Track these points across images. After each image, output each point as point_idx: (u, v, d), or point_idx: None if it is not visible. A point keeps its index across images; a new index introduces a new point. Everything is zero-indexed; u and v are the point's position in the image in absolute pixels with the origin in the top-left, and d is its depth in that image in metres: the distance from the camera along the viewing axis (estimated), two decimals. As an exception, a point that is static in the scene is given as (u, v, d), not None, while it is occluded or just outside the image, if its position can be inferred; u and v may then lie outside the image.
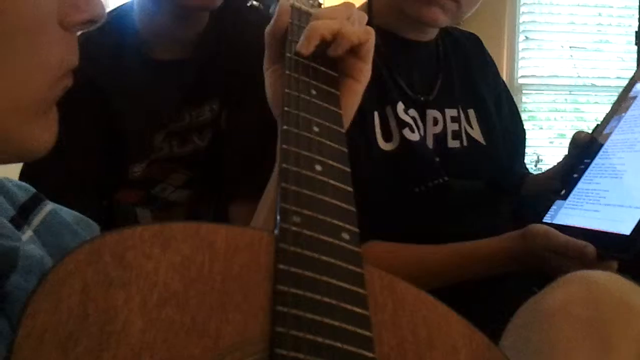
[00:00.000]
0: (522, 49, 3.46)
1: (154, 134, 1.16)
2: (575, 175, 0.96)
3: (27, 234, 0.53)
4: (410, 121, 1.05)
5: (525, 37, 3.47)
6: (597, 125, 1.02)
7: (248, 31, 1.13)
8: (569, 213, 0.92)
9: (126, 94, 1.13)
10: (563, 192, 0.96)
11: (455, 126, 1.11)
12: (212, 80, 1.15)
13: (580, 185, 0.95)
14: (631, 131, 0.95)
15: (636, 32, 2.39)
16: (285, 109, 0.60)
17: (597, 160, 0.96)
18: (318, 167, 0.54)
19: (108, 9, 1.10)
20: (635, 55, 2.45)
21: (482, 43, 1.25)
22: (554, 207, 0.95)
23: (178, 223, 0.44)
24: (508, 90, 1.27)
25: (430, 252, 0.99)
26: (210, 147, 1.20)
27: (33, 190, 0.58)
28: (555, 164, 1.10)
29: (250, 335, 0.41)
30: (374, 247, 0.98)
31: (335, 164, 0.56)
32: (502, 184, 1.15)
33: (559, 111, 3.58)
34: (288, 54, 0.68)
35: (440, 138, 1.09)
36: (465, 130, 1.12)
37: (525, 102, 3.46)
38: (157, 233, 0.43)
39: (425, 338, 0.46)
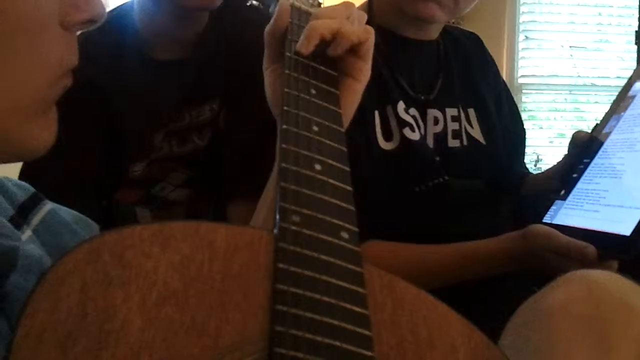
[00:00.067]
0: (522, 49, 3.46)
1: (154, 133, 1.16)
2: (574, 175, 0.96)
3: (27, 233, 0.53)
4: (411, 120, 1.05)
5: (525, 36, 3.47)
6: (597, 124, 1.02)
7: (248, 31, 1.13)
8: (568, 213, 0.92)
9: (126, 93, 1.13)
10: (563, 192, 0.96)
11: (456, 125, 1.11)
12: (211, 79, 1.15)
13: (579, 185, 0.95)
14: (630, 131, 0.95)
15: (636, 31, 2.39)
16: (285, 108, 0.60)
17: (596, 160, 0.96)
18: (317, 167, 0.54)
19: (108, 9, 1.10)
20: (635, 55, 2.45)
21: (482, 42, 1.25)
22: (553, 207, 0.95)
23: (177, 222, 0.44)
24: (508, 90, 1.27)
25: (430, 251, 0.99)
26: (209, 147, 1.20)
27: (32, 189, 0.58)
28: (555, 163, 1.10)
29: (249, 334, 0.40)
30: (374, 246, 0.98)
31: (334, 163, 0.56)
32: (502, 183, 1.15)
33: (558, 111, 3.58)
34: (288, 54, 0.68)
35: (441, 137, 1.09)
36: (466, 130, 1.12)
37: (525, 102, 3.47)
38: (157, 232, 0.43)
39: (425, 337, 0.46)
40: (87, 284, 0.39)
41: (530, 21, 3.47)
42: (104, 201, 1.21)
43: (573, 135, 1.05)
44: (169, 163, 1.20)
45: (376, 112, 1.03)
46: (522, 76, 3.47)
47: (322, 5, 0.82)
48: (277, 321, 0.41)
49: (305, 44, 0.67)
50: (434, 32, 1.14)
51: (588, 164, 0.96)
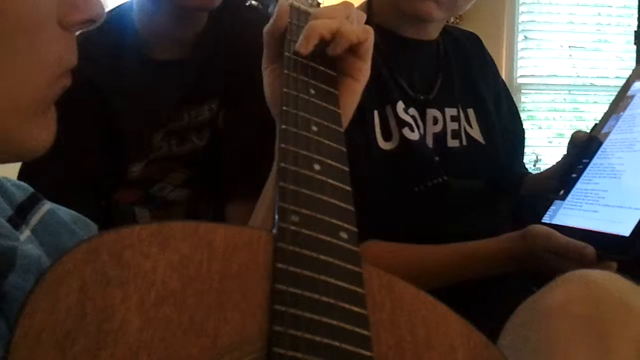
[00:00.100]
0: (521, 49, 3.46)
1: (153, 133, 1.16)
2: (574, 175, 0.96)
3: (25, 233, 0.53)
4: (410, 120, 1.05)
5: (525, 36, 3.47)
6: (596, 124, 1.02)
7: (247, 31, 1.12)
8: (567, 213, 0.92)
9: (125, 93, 1.13)
10: (562, 192, 0.96)
11: (455, 125, 1.11)
12: (211, 79, 1.15)
13: (579, 185, 0.95)
14: (629, 130, 0.95)
15: (635, 31, 2.39)
16: (284, 108, 0.59)
17: (595, 160, 0.96)
18: (317, 167, 0.54)
19: (107, 9, 1.10)
20: (634, 55, 2.45)
21: (482, 42, 1.25)
22: (552, 207, 0.95)
23: (176, 222, 0.44)
24: (507, 90, 1.27)
25: (430, 252, 0.99)
26: (208, 147, 1.20)
27: (31, 189, 0.58)
28: (554, 163, 1.10)
29: (248, 334, 0.40)
30: (374, 246, 0.98)
31: (333, 163, 0.56)
32: (501, 183, 1.15)
33: (558, 111, 3.59)
34: (287, 53, 0.68)
35: (440, 137, 1.09)
36: (465, 130, 1.12)
37: (524, 102, 3.47)
38: (156, 232, 0.43)
39: (424, 337, 0.46)
40: (85, 283, 0.39)
41: (530, 21, 3.48)
42: (102, 201, 1.21)
43: (572, 135, 1.05)
44: (168, 163, 1.20)
45: (375, 112, 1.03)
46: (521, 76, 3.47)
47: (321, 5, 0.82)
48: (276, 321, 0.41)
49: (304, 44, 0.67)
50: (433, 32, 1.14)
51: (587, 164, 0.96)
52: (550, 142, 3.51)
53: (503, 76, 1.29)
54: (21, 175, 1.03)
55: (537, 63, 3.48)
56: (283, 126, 0.57)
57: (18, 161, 0.52)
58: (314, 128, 0.59)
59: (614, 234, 0.83)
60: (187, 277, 0.41)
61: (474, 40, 1.24)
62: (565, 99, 3.57)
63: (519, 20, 3.45)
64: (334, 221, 0.50)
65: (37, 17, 0.44)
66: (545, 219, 0.94)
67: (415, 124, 1.06)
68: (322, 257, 0.46)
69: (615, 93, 1.03)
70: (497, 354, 0.50)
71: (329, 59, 0.70)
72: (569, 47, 3.47)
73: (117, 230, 0.42)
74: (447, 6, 1.04)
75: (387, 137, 1.04)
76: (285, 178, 0.52)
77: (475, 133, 1.13)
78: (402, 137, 1.03)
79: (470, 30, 1.28)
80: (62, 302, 0.38)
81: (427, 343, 0.46)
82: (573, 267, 0.66)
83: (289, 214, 0.48)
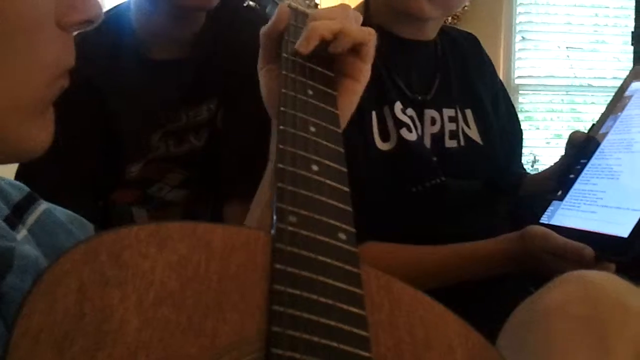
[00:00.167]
0: (519, 49, 3.46)
1: (151, 133, 1.16)
2: (571, 176, 0.96)
3: (22, 233, 0.53)
4: (408, 121, 1.05)
5: (522, 37, 3.47)
6: (594, 125, 1.02)
7: (245, 31, 1.12)
8: (565, 214, 0.92)
9: (123, 94, 1.12)
10: (560, 192, 0.96)
11: (453, 126, 1.11)
12: (209, 80, 1.15)
13: (577, 185, 0.95)
14: (627, 131, 0.95)
15: (632, 32, 2.40)
16: (282, 109, 0.59)
17: (593, 160, 0.96)
18: (314, 167, 0.54)
19: (105, 9, 1.10)
20: (631, 56, 2.46)
21: (479, 43, 1.25)
22: (550, 207, 0.95)
23: (174, 222, 0.44)
24: (505, 90, 1.27)
25: (428, 252, 0.99)
26: (206, 147, 1.19)
27: (27, 189, 0.58)
28: (552, 164, 1.10)
29: (246, 334, 0.40)
30: (372, 247, 0.97)
31: (331, 164, 0.56)
32: (499, 184, 1.15)
33: (555, 111, 3.59)
34: (285, 54, 0.68)
35: (438, 138, 1.09)
36: (463, 130, 1.12)
37: (521, 103, 3.47)
38: (154, 232, 0.43)
39: (422, 338, 0.46)
40: (84, 284, 0.39)
41: (527, 22, 3.48)
42: (100, 201, 1.21)
43: (570, 136, 1.05)
44: (165, 163, 1.20)
45: (373, 113, 1.03)
46: (519, 77, 3.47)
47: (318, 7, 0.82)
48: (274, 321, 0.41)
49: (304, 44, 0.67)
50: (431, 33, 1.14)
51: (585, 164, 0.96)
52: (548, 142, 3.51)
53: (501, 77, 1.29)
54: (18, 176, 1.03)
55: (535, 64, 3.48)
56: (281, 127, 0.57)
57: (16, 162, 0.52)
58: (312, 129, 0.59)
59: (612, 235, 0.83)
60: (185, 278, 0.41)
61: (472, 41, 1.24)
62: (562, 100, 3.58)
63: (517, 21, 3.45)
64: (332, 222, 0.50)
65: (35, 17, 0.44)
66: (543, 219, 0.94)
67: (413, 125, 1.06)
68: (320, 257, 0.46)
69: (613, 94, 1.03)
70: (496, 354, 0.50)
71: (327, 61, 0.70)
72: (567, 47, 3.47)
73: (115, 230, 0.42)
74: (440, 3, 1.03)
75: (384, 137, 1.04)
76: (283, 179, 0.52)
77: (473, 134, 1.13)
78: (400, 138, 1.03)
79: (468, 30, 1.28)
80: (60, 303, 0.38)
81: (426, 344, 0.46)
82: (571, 268, 0.66)
83: (287, 214, 0.48)
